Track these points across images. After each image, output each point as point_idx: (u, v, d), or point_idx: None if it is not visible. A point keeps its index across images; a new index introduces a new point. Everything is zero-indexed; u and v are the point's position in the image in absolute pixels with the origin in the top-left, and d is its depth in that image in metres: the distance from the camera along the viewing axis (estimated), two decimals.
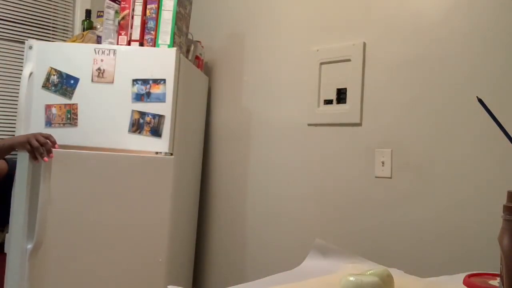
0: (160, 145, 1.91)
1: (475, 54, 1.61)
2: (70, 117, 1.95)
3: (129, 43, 2.03)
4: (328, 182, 1.95)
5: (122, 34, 2.03)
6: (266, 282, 0.99)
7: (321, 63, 2.01)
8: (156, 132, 1.91)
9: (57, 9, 2.62)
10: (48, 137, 1.73)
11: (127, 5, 2.04)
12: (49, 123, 1.96)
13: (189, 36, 2.29)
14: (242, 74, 2.34)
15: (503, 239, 0.68)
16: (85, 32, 2.18)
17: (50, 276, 1.87)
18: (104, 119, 1.94)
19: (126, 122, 1.92)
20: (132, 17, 2.04)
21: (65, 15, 2.67)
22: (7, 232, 1.84)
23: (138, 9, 2.04)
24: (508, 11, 1.56)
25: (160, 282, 1.87)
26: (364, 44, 1.89)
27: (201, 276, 2.40)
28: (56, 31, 2.63)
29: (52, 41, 2.49)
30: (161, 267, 1.87)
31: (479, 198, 1.56)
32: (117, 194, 1.90)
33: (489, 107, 0.79)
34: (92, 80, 1.95)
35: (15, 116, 2.13)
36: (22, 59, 2.11)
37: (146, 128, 1.91)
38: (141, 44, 2.02)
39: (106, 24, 2.03)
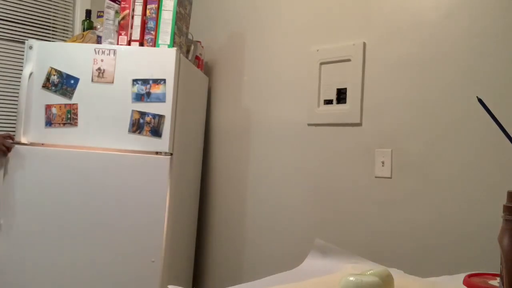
0: (160, 145, 1.91)
1: (475, 54, 1.61)
2: (70, 117, 1.95)
3: (129, 43, 2.03)
4: (328, 182, 1.95)
5: (122, 34, 2.03)
6: (266, 282, 0.99)
7: (321, 63, 2.01)
8: (156, 132, 1.91)
9: (57, 9, 2.62)
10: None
11: (127, 5, 2.04)
12: (49, 123, 1.96)
13: (189, 36, 2.29)
14: (242, 74, 2.35)
15: (503, 239, 0.68)
16: (85, 32, 2.19)
17: (44, 272, 1.87)
18: (104, 119, 1.94)
19: (126, 122, 1.92)
20: (132, 17, 2.04)
21: (65, 15, 2.67)
22: None
23: (138, 9, 2.04)
24: (508, 11, 1.56)
25: (156, 282, 1.87)
26: (364, 44, 1.89)
27: (201, 276, 2.40)
28: (56, 31, 2.63)
29: (52, 41, 2.50)
30: (156, 266, 1.87)
31: (479, 198, 1.56)
32: (116, 194, 1.90)
33: (489, 107, 0.79)
34: (92, 80, 1.95)
35: (15, 116, 2.13)
36: (22, 59, 2.11)
37: (146, 128, 1.91)
38: (141, 44, 2.02)
39: (106, 24, 2.03)
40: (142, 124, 1.92)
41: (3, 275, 1.89)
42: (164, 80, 1.92)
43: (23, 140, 1.95)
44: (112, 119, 1.93)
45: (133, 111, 1.93)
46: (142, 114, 1.92)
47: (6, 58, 2.43)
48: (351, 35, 1.94)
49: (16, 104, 2.09)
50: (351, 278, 0.80)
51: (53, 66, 1.97)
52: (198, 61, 2.37)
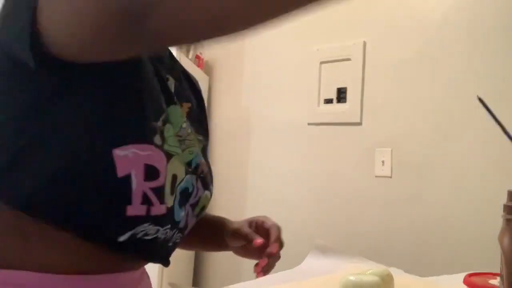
0: None
1: (475, 54, 1.61)
2: None
3: None
4: (328, 181, 1.95)
5: None
6: (266, 281, 0.99)
7: (321, 62, 2.01)
8: None
9: None
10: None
11: None
12: None
13: None
14: (242, 74, 2.34)
15: (503, 239, 0.68)
16: None
17: None
18: None
19: None
20: None
21: None
22: None
23: None
24: (508, 11, 1.56)
25: (153, 281, 1.87)
26: (364, 43, 1.89)
27: (201, 276, 2.40)
28: None
29: None
30: (153, 266, 1.87)
31: (479, 197, 1.56)
32: None
33: (489, 106, 0.79)
34: None
35: None
36: None
37: None
38: None
39: None
40: None
41: None
42: None
43: None
44: None
45: None
46: None
47: None
48: (351, 35, 1.94)
49: None
50: (351, 278, 0.80)
51: None
52: (198, 60, 2.36)
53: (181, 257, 2.16)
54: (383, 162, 1.80)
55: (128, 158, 0.52)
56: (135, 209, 0.53)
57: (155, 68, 0.60)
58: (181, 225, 0.63)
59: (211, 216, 0.91)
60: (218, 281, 2.32)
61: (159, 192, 0.55)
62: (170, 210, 0.58)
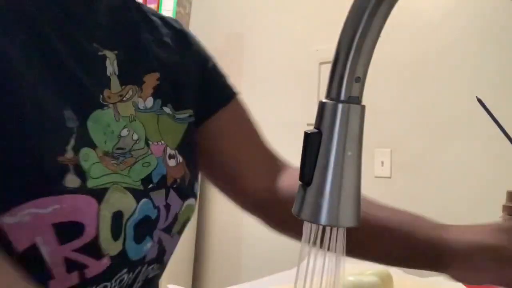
0: None
1: (475, 54, 1.61)
2: None
3: None
4: None
5: None
6: (266, 282, 0.98)
7: (321, 63, 2.01)
8: None
9: None
10: None
11: None
12: None
13: None
14: (242, 74, 2.34)
15: None
16: None
17: None
18: None
19: None
20: None
21: None
22: None
23: None
24: (508, 12, 1.56)
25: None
26: None
27: (201, 276, 2.40)
28: None
29: None
30: None
31: (479, 198, 1.56)
32: None
33: (488, 107, 0.79)
34: None
35: None
36: None
37: None
38: None
39: None
40: None
41: None
42: None
43: None
44: None
45: None
46: None
47: None
48: None
49: None
50: (351, 278, 0.80)
51: None
52: None
53: (180, 258, 2.15)
54: (382, 162, 1.80)
55: (25, 224, 0.36)
56: (61, 282, 0.40)
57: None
58: (149, 257, 0.51)
59: (397, 217, 0.61)
60: (218, 282, 2.32)
61: (90, 249, 0.41)
62: (121, 254, 0.45)
